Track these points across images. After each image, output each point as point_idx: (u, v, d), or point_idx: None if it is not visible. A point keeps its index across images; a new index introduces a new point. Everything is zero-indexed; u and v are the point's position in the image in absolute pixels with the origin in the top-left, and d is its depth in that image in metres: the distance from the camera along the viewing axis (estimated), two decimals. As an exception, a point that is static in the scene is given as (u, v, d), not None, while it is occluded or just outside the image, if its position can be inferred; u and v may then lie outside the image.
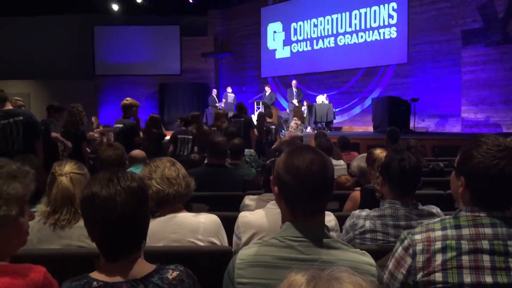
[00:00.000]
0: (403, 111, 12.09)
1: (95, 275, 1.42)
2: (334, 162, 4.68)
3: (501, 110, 12.09)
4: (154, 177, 2.23)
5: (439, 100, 13.33)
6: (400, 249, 1.58)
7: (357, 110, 15.63)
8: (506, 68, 11.92)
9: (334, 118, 14.28)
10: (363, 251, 1.51)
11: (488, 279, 1.42)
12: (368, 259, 1.46)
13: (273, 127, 9.64)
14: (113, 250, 1.41)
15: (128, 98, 6.80)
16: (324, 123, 13.76)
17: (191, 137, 7.49)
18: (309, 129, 13.50)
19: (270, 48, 18.21)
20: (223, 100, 15.96)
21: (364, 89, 15.44)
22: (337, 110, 14.81)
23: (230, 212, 3.20)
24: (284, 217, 1.53)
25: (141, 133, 6.79)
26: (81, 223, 2.28)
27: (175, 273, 1.44)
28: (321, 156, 1.49)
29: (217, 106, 15.54)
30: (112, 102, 17.65)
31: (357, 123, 15.48)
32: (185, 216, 2.22)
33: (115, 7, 17.90)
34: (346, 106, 15.74)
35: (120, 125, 6.59)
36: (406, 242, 1.56)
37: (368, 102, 15.01)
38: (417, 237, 1.54)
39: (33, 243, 2.24)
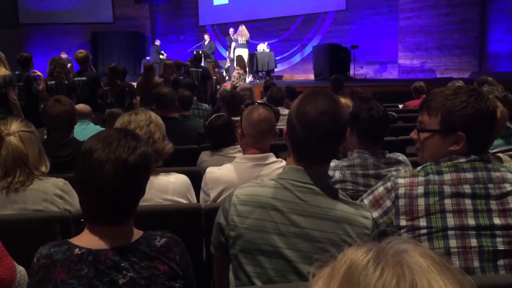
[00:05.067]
0: (344, 59, 12.21)
1: (76, 240, 1.30)
2: (285, 111, 4.66)
3: (435, 56, 12.50)
4: None
5: (377, 47, 13.55)
6: (381, 188, 1.57)
7: (297, 58, 15.61)
8: (440, 14, 12.23)
9: (276, 67, 14.21)
10: (361, 203, 1.51)
11: (471, 221, 1.44)
12: (365, 212, 1.45)
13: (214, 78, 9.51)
14: (94, 216, 1.31)
15: (81, 50, 6.65)
16: (265, 72, 13.66)
17: (126, 89, 7.45)
18: (250, 78, 13.36)
19: (207, -6, 17.60)
20: None
21: (304, 37, 15.40)
22: (277, 58, 14.70)
23: (186, 167, 3.12)
24: (288, 161, 1.52)
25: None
26: (35, 185, 2.13)
27: (163, 240, 1.35)
28: (335, 106, 1.43)
29: (163, 55, 14.83)
30: (40, 53, 16.48)
31: (297, 71, 15.50)
32: (155, 176, 2.12)
33: None
34: (287, 54, 15.67)
35: (83, 78, 6.43)
36: (389, 184, 1.55)
37: (308, 50, 15.00)
38: (400, 181, 1.53)
39: (-16, 209, 2.08)
